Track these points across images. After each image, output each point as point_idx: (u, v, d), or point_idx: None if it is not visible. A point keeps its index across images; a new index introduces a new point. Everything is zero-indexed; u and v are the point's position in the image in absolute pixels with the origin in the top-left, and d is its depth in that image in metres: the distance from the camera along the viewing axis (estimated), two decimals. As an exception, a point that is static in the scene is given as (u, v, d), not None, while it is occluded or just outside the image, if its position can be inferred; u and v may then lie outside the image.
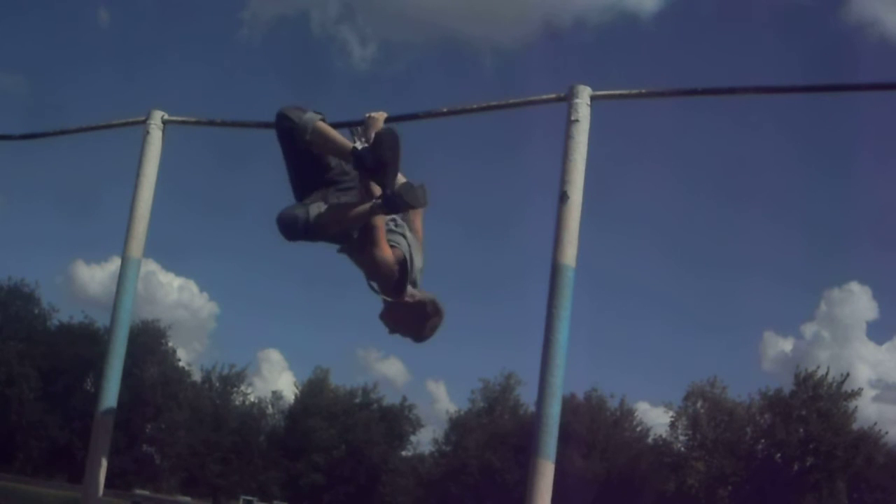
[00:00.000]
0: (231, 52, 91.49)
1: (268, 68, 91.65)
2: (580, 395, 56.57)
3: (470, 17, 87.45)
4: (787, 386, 50.38)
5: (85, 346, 57.96)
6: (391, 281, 3.94)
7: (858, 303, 73.68)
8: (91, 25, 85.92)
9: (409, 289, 4.02)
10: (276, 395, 69.22)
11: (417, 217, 4.32)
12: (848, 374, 49.06)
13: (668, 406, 52.03)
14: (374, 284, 4.01)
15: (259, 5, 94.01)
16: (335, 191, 4.03)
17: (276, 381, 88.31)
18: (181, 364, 65.68)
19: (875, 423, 49.54)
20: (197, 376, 67.38)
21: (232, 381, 67.61)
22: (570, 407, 50.47)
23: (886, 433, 48.84)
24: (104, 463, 4.25)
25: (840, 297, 74.28)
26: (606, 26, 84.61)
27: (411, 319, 4.09)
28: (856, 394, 48.52)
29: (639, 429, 57.73)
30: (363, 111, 4.59)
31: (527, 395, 59.20)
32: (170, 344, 64.82)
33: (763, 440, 49.87)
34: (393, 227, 4.11)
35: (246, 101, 79.74)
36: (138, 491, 51.68)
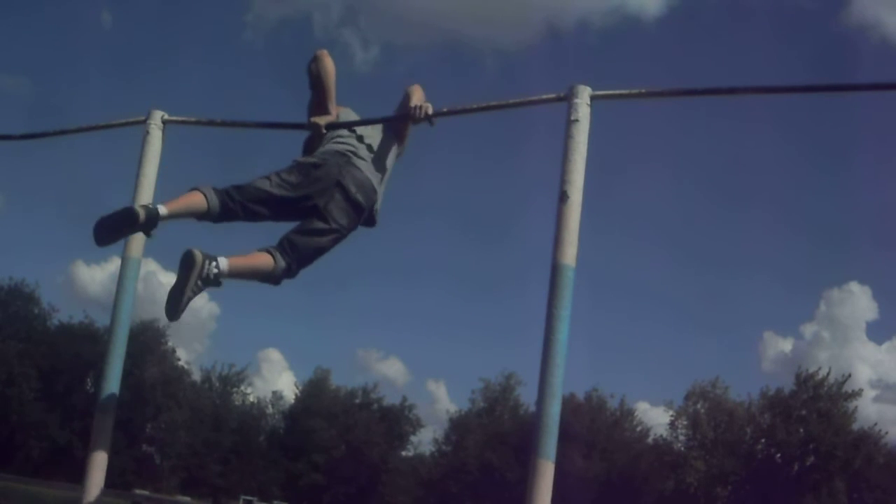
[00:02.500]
0: (234, 54, 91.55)
1: (270, 71, 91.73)
2: (580, 395, 56.62)
3: (472, 19, 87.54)
4: (787, 386, 50.49)
5: (85, 346, 57.90)
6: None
7: (858, 303, 73.67)
8: (94, 28, 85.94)
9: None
10: (276, 395, 69.31)
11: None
12: (849, 375, 49.13)
13: (669, 406, 52.08)
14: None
15: (262, 8, 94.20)
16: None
17: (276, 381, 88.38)
18: (181, 364, 65.71)
19: (875, 424, 49.61)
20: (197, 376, 67.46)
21: (232, 381, 67.61)
22: (570, 407, 50.44)
23: (886, 433, 48.89)
24: (104, 463, 4.25)
25: (840, 297, 74.32)
26: (608, 29, 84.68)
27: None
28: (856, 394, 48.54)
29: (639, 429, 57.72)
30: (366, 114, 4.61)
31: (527, 395, 59.28)
32: (169, 344, 64.86)
33: (763, 440, 49.86)
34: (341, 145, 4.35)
35: (248, 103, 79.82)
36: (138, 491, 51.57)
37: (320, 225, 4.09)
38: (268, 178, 4.13)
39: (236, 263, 3.86)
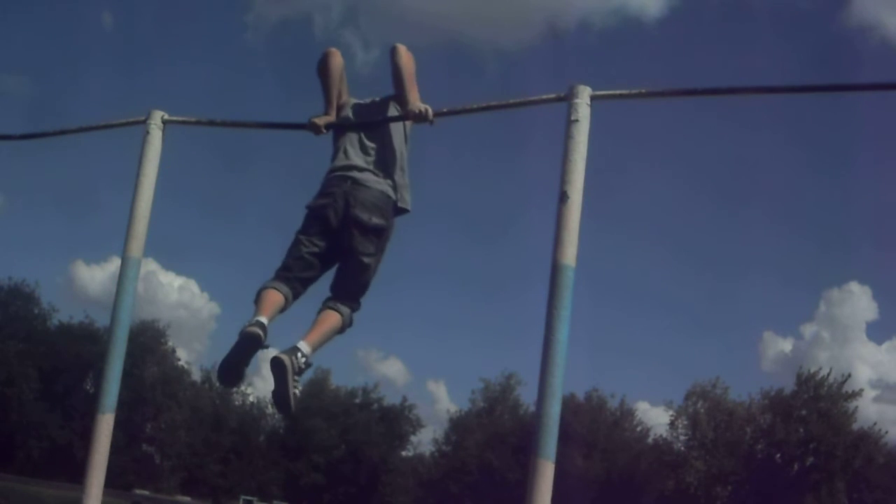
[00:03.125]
0: (235, 55, 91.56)
1: (271, 72, 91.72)
2: (580, 395, 56.65)
3: (473, 20, 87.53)
4: (787, 386, 50.46)
5: (85, 346, 57.94)
6: None
7: (858, 303, 73.74)
8: (95, 28, 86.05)
9: None
10: (276, 395, 69.15)
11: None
12: (850, 375, 49.09)
13: (669, 406, 52.06)
14: None
15: (263, 9, 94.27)
16: None
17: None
18: (181, 363, 65.75)
19: (875, 423, 49.59)
20: (197, 376, 67.47)
21: (232, 381, 67.53)
22: (570, 407, 50.45)
23: (886, 433, 48.87)
24: (104, 463, 4.24)
25: (840, 297, 74.37)
26: (610, 30, 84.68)
27: None
28: (856, 394, 48.48)
29: (639, 429, 57.74)
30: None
31: (527, 395, 59.29)
32: (169, 343, 64.89)
33: (763, 440, 49.85)
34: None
35: (250, 105, 79.86)
36: (138, 491, 51.67)
37: (355, 263, 4.33)
38: (299, 242, 4.38)
39: (314, 340, 4.16)
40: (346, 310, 4.27)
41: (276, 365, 3.96)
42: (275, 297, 4.23)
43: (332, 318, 4.24)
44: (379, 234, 4.34)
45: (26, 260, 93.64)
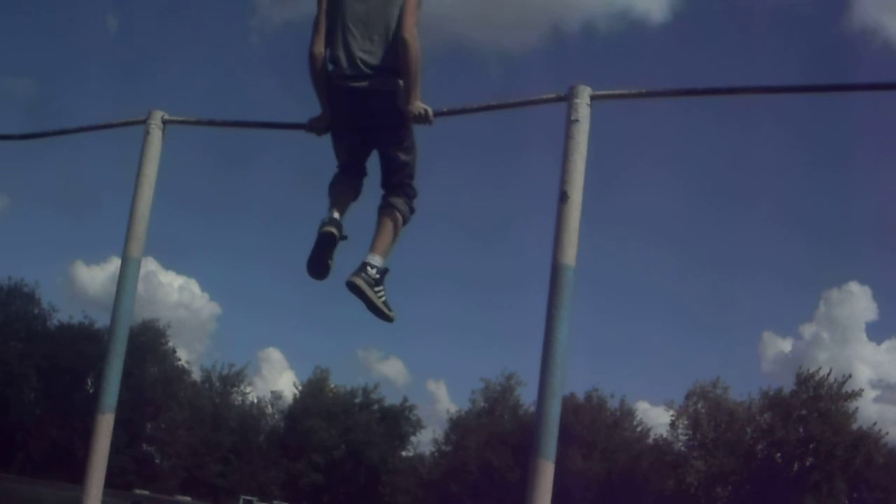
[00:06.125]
0: (239, 58, 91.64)
1: (274, 74, 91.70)
2: (580, 395, 56.61)
3: (476, 22, 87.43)
4: (787, 386, 50.47)
5: (85, 346, 57.93)
6: None
7: (858, 303, 73.74)
8: (100, 32, 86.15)
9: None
10: (276, 395, 69.30)
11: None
12: (850, 376, 49.09)
13: (669, 406, 52.06)
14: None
15: (267, 12, 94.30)
16: None
17: (276, 381, 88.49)
18: (181, 363, 65.73)
19: (875, 424, 49.58)
20: (197, 376, 67.46)
21: (232, 380, 67.62)
22: (570, 407, 50.43)
23: (886, 433, 48.87)
24: (104, 463, 4.24)
25: (839, 297, 74.35)
26: (613, 34, 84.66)
27: None
28: (856, 394, 48.48)
29: (639, 429, 57.71)
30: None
31: (527, 395, 59.28)
32: (170, 343, 64.88)
33: (763, 440, 49.85)
34: None
35: (252, 106, 79.88)
36: (138, 491, 51.61)
37: (387, 154, 4.42)
38: (334, 146, 4.57)
39: (380, 247, 4.28)
40: (399, 201, 4.34)
41: (352, 288, 4.16)
42: (342, 189, 4.44)
43: (389, 220, 4.33)
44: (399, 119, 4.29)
45: (26, 260, 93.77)
